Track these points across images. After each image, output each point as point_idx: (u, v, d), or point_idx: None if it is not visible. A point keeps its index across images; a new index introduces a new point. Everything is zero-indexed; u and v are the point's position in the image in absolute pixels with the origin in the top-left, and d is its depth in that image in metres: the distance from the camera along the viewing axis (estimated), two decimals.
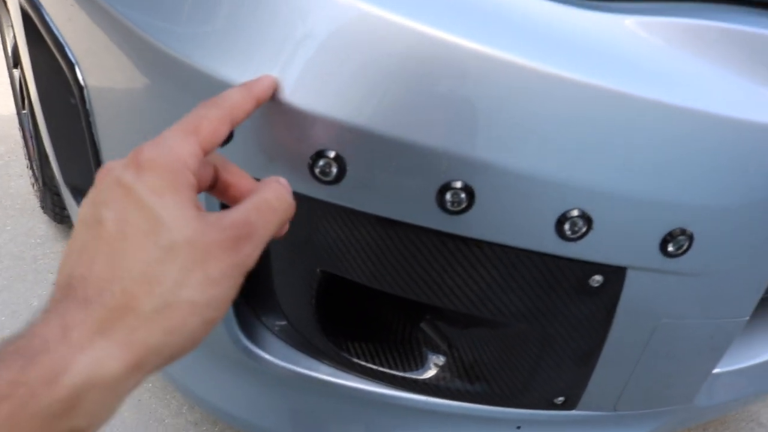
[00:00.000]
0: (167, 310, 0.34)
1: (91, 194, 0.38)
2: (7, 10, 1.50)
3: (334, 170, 0.53)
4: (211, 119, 0.41)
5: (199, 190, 0.42)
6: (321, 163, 0.53)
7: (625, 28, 0.55)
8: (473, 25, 0.51)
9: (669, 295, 0.63)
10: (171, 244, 0.35)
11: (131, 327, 0.33)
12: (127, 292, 0.34)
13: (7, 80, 1.67)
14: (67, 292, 0.34)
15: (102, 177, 0.38)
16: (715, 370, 0.81)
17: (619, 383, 0.72)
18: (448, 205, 0.53)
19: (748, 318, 0.69)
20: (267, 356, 0.71)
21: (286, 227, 0.45)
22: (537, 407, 0.74)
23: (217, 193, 0.46)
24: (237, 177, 0.46)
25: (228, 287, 0.37)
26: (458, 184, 0.53)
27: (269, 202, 0.41)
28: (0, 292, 1.30)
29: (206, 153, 0.41)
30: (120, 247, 0.35)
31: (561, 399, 0.73)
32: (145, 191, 0.36)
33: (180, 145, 0.39)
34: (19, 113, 1.50)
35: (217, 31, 0.54)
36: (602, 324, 0.64)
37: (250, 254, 0.39)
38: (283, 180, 0.44)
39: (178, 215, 0.36)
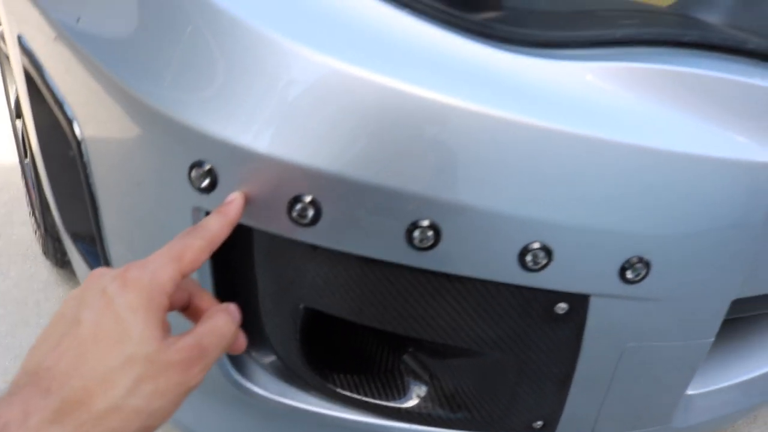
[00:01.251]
0: (115, 413, 0.40)
1: (78, 293, 0.44)
2: (11, 66, 1.56)
3: (311, 213, 0.57)
4: (194, 249, 0.48)
5: (172, 309, 0.48)
6: (298, 207, 0.57)
7: (577, 74, 0.60)
8: (435, 77, 0.56)
9: (633, 319, 0.67)
10: (132, 356, 0.41)
11: (81, 421, 0.38)
12: (86, 389, 0.39)
13: (10, 130, 1.73)
14: (32, 378, 0.39)
15: (91, 281, 0.45)
16: (691, 392, 0.85)
17: (595, 406, 0.75)
18: (417, 242, 0.57)
19: (713, 339, 0.72)
20: (257, 390, 0.75)
21: (242, 346, 0.53)
22: None
23: (189, 315, 0.53)
24: (206, 303, 0.52)
25: (171, 402, 0.43)
26: (425, 223, 0.57)
27: (220, 328, 0.47)
28: (4, 337, 1.33)
29: (185, 276, 0.48)
30: (89, 349, 0.40)
31: (539, 423, 0.76)
32: (123, 306, 0.42)
33: (163, 271, 0.45)
34: (21, 162, 1.55)
35: (200, 88, 0.59)
36: (571, 349, 0.68)
37: (197, 374, 0.45)
38: (232, 306, 0.51)
39: (145, 333, 0.42)
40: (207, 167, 0.59)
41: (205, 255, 0.49)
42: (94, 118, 0.73)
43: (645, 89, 0.61)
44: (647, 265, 0.62)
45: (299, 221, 0.58)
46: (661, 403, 0.79)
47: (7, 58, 1.58)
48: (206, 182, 0.60)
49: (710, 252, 0.64)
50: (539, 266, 0.60)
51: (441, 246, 0.58)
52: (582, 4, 0.66)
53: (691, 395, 0.84)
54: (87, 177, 0.77)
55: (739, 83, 0.63)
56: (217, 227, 0.52)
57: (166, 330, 0.44)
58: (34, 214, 1.47)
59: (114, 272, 0.45)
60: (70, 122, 0.76)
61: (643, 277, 0.62)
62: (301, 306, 0.67)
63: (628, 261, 0.61)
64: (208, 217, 0.54)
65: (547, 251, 0.59)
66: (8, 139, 1.83)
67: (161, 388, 0.41)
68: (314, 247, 0.61)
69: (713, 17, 0.70)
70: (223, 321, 0.48)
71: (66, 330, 0.42)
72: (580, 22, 0.64)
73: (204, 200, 0.61)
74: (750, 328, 0.95)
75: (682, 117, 0.61)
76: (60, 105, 0.78)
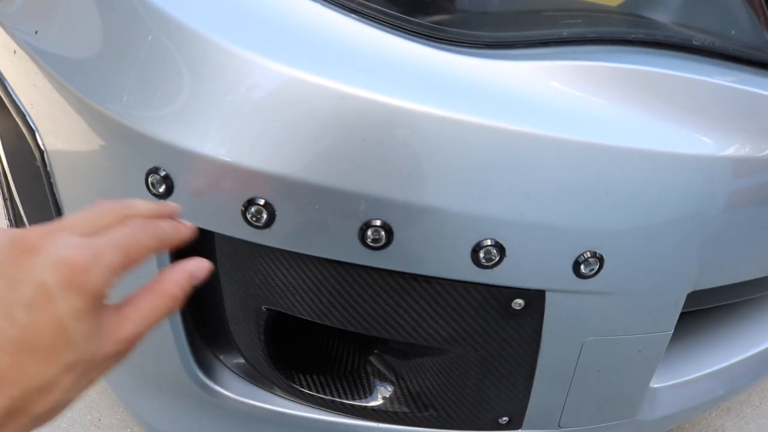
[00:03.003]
0: (53, 411, 0.39)
1: (10, 276, 0.39)
2: None
3: (265, 216, 0.58)
4: (143, 250, 0.44)
5: None
6: (252, 209, 0.58)
7: (525, 73, 0.61)
8: (385, 80, 0.57)
9: (591, 314, 0.68)
10: (74, 362, 0.39)
11: (21, 424, 0.38)
12: (26, 398, 0.38)
13: None
14: None
15: (21, 259, 0.39)
16: (656, 385, 0.86)
17: (559, 400, 0.76)
18: (369, 241, 0.58)
19: (671, 331, 0.74)
20: (224, 391, 0.75)
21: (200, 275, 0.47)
22: (484, 429, 0.78)
23: None
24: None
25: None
26: (377, 222, 0.58)
27: (162, 306, 0.44)
28: None
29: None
30: (27, 357, 0.38)
31: (505, 419, 0.77)
32: (66, 312, 0.38)
33: (110, 266, 0.41)
34: None
35: (154, 96, 0.60)
36: (531, 344, 0.69)
37: (129, 354, 0.43)
38: (191, 265, 0.46)
39: (87, 338, 0.39)
40: (163, 173, 0.60)
41: (150, 255, 0.45)
42: (56, 128, 0.73)
43: (592, 87, 0.62)
44: (600, 259, 0.63)
45: (254, 224, 0.59)
46: (626, 395, 0.80)
47: None
48: (163, 188, 0.60)
49: (663, 245, 0.65)
50: (492, 263, 0.61)
51: (394, 245, 0.59)
52: (530, 5, 0.67)
53: (655, 388, 0.85)
54: (51, 186, 0.78)
55: (685, 79, 0.64)
56: (171, 233, 0.48)
57: (103, 313, 0.41)
58: (10, 224, 1.47)
59: (50, 255, 0.39)
60: (33, 133, 0.77)
61: (597, 272, 0.64)
62: (264, 308, 0.68)
63: (581, 256, 0.62)
64: (163, 221, 0.50)
65: (500, 248, 0.60)
66: None
67: (97, 376, 0.41)
68: (271, 249, 0.62)
69: (662, 16, 0.71)
70: (168, 299, 0.44)
71: None
72: (527, 23, 0.65)
73: None
74: (712, 321, 0.96)
75: (628, 113, 0.63)
76: (23, 116, 0.78)
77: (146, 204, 0.48)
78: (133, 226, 0.45)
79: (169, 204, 0.51)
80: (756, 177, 0.67)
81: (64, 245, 0.40)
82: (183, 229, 0.49)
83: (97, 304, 0.40)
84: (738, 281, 0.75)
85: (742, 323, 0.97)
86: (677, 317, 0.73)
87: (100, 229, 0.44)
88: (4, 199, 1.39)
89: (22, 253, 0.39)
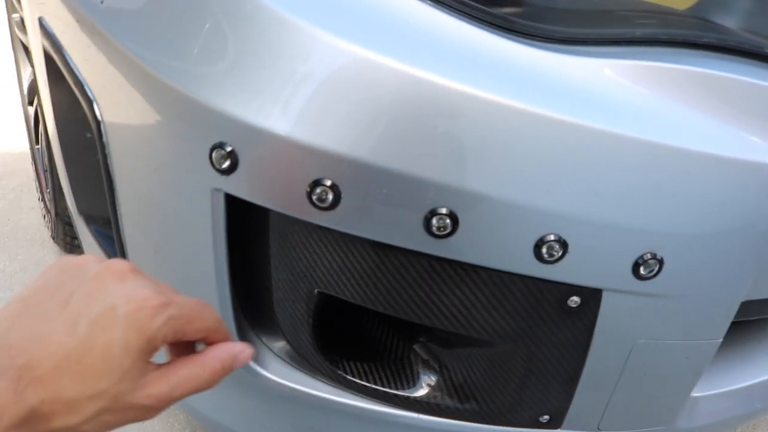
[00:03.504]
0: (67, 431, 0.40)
1: (87, 284, 0.42)
2: (25, 51, 1.57)
3: (330, 197, 0.58)
4: (205, 323, 0.46)
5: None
6: (318, 190, 0.58)
7: (596, 70, 0.61)
8: (456, 67, 0.57)
9: (644, 316, 0.67)
10: (105, 391, 0.40)
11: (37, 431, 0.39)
12: (53, 409, 0.39)
13: (18, 119, 1.74)
14: (13, 372, 0.38)
15: (104, 281, 0.42)
16: (696, 394, 0.85)
17: (601, 402, 0.76)
18: (434, 229, 0.58)
19: (721, 340, 0.73)
20: (267, 374, 0.75)
21: (245, 360, 0.48)
22: (523, 425, 0.77)
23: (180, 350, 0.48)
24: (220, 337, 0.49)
25: (117, 427, 0.43)
26: (443, 211, 0.58)
27: (199, 381, 0.45)
28: None
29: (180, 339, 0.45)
30: (71, 369, 0.39)
31: (546, 417, 0.76)
32: (119, 341, 0.40)
33: (175, 323, 0.43)
34: (32, 148, 1.56)
35: (223, 70, 0.60)
36: (582, 344, 0.69)
37: (154, 416, 0.44)
38: (238, 348, 0.47)
39: (127, 374, 0.41)
40: (228, 149, 0.60)
41: (202, 336, 0.46)
42: (114, 100, 0.73)
43: (662, 88, 0.61)
44: (660, 262, 0.63)
45: (319, 205, 0.59)
46: (667, 402, 0.80)
47: (22, 44, 1.60)
48: (227, 164, 0.60)
49: (722, 252, 0.65)
50: (554, 258, 0.60)
51: (458, 234, 0.59)
52: (602, 4, 0.67)
53: (696, 397, 0.85)
54: (105, 158, 0.78)
55: (754, 86, 0.64)
56: (223, 336, 0.48)
57: (148, 365, 0.42)
58: (43, 199, 1.48)
59: (130, 287, 0.42)
60: (90, 103, 0.77)
61: (656, 274, 0.63)
62: (316, 291, 0.68)
63: (641, 257, 0.62)
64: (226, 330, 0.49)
65: (563, 244, 0.60)
66: (16, 127, 1.84)
67: (117, 422, 0.42)
68: (332, 232, 0.62)
69: (730, 21, 0.70)
70: (208, 373, 0.45)
71: (59, 325, 0.40)
72: (600, 21, 0.65)
73: (224, 182, 0.62)
74: (755, 333, 0.96)
75: (697, 116, 0.62)
76: (81, 86, 0.78)
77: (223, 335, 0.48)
78: (207, 305, 0.47)
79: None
80: None
81: (145, 285, 0.43)
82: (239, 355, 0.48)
83: (148, 348, 0.42)
84: None
85: None
86: (728, 326, 0.72)
87: (178, 294, 0.46)
88: (44, 171, 1.40)
89: (109, 276, 0.43)
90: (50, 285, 0.43)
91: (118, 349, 0.40)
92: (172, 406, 1.14)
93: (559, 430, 0.79)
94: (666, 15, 0.69)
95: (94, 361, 0.40)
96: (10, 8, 1.62)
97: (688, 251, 0.63)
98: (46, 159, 1.28)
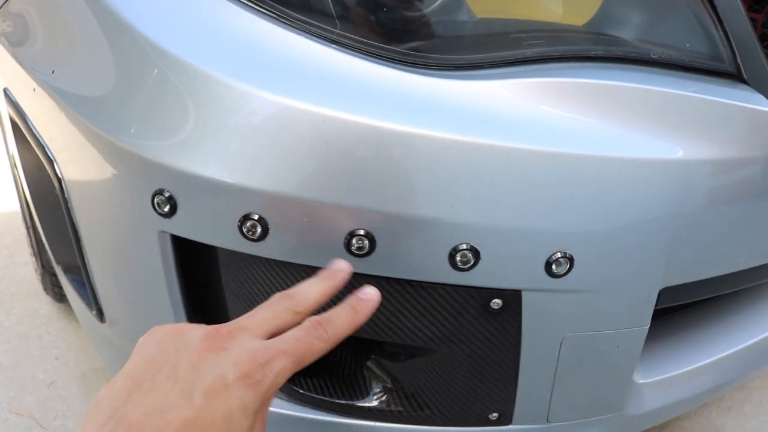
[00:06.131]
0: None
1: (195, 365, 0.44)
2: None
3: (259, 230, 0.64)
4: (315, 353, 0.50)
5: None
6: (248, 224, 0.64)
7: (492, 91, 0.67)
8: (366, 103, 0.63)
9: (566, 311, 0.73)
10: None
11: None
12: None
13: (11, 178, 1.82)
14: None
15: (211, 356, 0.44)
16: (640, 381, 0.90)
17: (545, 395, 0.81)
18: (354, 249, 0.64)
19: (647, 326, 0.78)
20: None
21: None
22: (476, 425, 0.82)
23: None
24: None
25: None
26: (361, 232, 0.64)
27: None
28: (8, 369, 1.40)
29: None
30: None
31: (495, 415, 0.81)
32: (238, 404, 0.42)
33: (284, 374, 0.46)
34: (21, 206, 1.64)
35: (156, 125, 0.66)
36: (512, 342, 0.74)
37: None
38: None
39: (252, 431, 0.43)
40: (167, 194, 0.66)
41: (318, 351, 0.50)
42: (73, 158, 0.80)
43: (555, 100, 0.67)
44: (570, 259, 0.68)
45: (250, 237, 0.65)
46: (610, 390, 0.85)
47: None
48: (167, 207, 0.67)
49: (627, 245, 0.70)
50: (468, 266, 0.66)
51: (377, 252, 0.65)
52: (498, 28, 0.73)
53: (641, 384, 0.89)
54: (69, 212, 0.84)
55: (643, 90, 0.70)
56: (344, 323, 0.53)
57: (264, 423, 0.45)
58: (33, 253, 1.55)
59: (235, 352, 0.44)
60: (51, 163, 0.84)
61: (568, 271, 0.69)
62: None
63: (552, 256, 0.67)
64: (334, 314, 0.53)
65: (475, 251, 0.65)
66: (8, 186, 1.91)
67: None
68: (267, 260, 0.68)
69: (624, 33, 0.77)
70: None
71: (175, 399, 0.42)
72: (495, 45, 0.71)
73: (167, 224, 0.68)
74: (695, 318, 1.01)
75: (591, 124, 0.68)
76: (42, 148, 0.85)
77: (317, 289, 0.54)
78: (307, 329, 0.50)
79: (338, 270, 0.55)
80: (715, 179, 0.72)
81: (246, 347, 0.46)
82: (363, 308, 0.54)
83: (264, 403, 0.44)
84: (709, 277, 0.80)
85: (727, 319, 1.01)
86: (651, 312, 0.77)
87: (277, 329, 0.50)
88: (27, 228, 1.47)
89: (211, 349, 0.45)
90: (155, 359, 0.45)
91: (238, 414, 0.42)
92: None
93: (511, 426, 0.84)
94: (559, 33, 0.75)
95: (217, 427, 0.41)
96: None
97: (596, 247, 0.69)
98: (28, 215, 1.36)
